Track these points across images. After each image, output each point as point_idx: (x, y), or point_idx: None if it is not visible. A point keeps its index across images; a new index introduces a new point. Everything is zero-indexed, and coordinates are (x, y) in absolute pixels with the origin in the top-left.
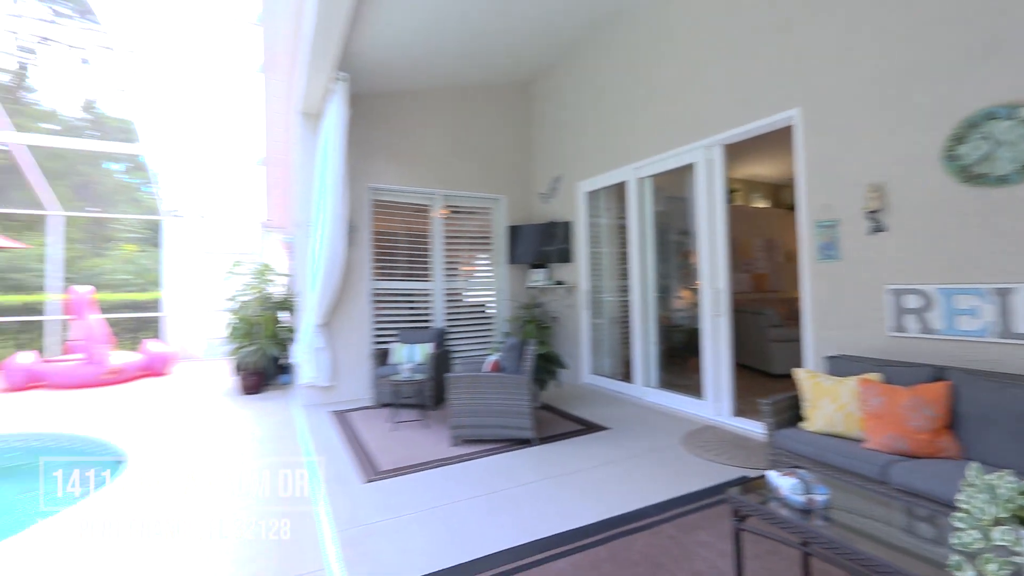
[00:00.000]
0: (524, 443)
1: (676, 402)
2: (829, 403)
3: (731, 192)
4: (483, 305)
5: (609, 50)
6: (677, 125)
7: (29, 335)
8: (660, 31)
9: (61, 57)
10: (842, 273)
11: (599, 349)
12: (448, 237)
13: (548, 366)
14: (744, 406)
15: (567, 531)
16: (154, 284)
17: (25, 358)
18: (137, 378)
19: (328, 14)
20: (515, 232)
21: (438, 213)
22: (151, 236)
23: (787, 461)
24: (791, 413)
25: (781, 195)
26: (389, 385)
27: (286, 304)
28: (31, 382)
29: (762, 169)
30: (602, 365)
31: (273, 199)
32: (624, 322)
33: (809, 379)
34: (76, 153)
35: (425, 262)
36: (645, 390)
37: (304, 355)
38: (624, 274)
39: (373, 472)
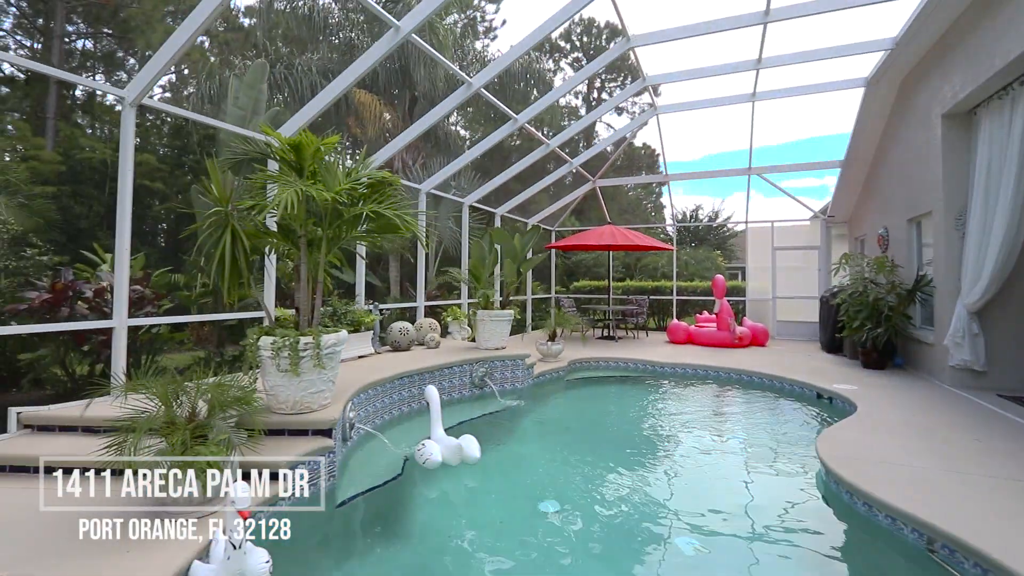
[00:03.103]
0: None
1: None
2: None
3: None
4: None
5: None
6: None
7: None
8: None
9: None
10: None
11: None
12: None
13: None
14: None
15: None
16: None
17: (681, 323)
18: (749, 345)
19: None
20: None
21: None
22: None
23: None
24: None
25: None
26: None
27: (915, 290)
28: (687, 339)
29: None
30: None
31: (842, 196)
32: None
33: None
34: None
35: None
36: None
37: (957, 339)
38: None
39: None
